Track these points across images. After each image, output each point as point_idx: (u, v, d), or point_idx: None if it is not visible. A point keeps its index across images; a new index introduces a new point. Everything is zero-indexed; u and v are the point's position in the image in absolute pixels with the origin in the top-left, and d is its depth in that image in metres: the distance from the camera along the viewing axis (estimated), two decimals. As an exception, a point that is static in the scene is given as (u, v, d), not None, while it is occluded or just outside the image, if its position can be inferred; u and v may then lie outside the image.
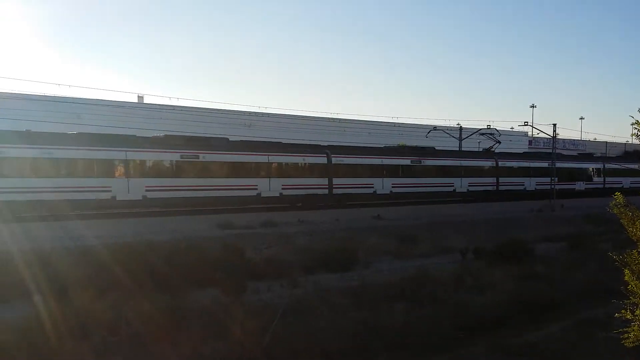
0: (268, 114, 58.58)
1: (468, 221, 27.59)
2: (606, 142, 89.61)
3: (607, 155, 68.41)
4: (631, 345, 6.26)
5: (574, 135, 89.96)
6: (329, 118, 61.94)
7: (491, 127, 52.55)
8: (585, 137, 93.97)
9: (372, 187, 37.50)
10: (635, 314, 6.23)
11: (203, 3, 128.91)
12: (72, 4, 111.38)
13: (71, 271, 11.79)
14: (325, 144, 40.55)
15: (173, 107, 51.55)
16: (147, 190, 28.17)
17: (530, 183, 47.47)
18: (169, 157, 29.76)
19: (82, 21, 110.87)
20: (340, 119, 63.60)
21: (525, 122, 54.25)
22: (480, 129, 52.40)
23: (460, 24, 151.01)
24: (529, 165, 48.07)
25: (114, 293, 10.59)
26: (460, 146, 52.21)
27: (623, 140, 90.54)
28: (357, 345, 9.40)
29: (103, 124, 38.67)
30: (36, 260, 12.36)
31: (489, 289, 13.02)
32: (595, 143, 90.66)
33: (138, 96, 60.14)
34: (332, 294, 12.08)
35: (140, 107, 55.16)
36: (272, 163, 33.30)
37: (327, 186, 34.92)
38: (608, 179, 52.66)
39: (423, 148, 43.83)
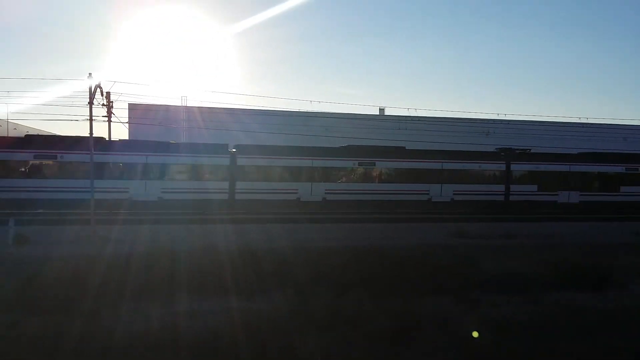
0: (508, 121, 55.73)
1: None
2: None
3: None
4: None
5: None
6: (575, 123, 56.24)
7: None
8: None
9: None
10: None
11: (439, 21, 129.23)
12: (315, 27, 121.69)
13: (308, 269, 12.80)
14: (565, 150, 38.93)
15: (412, 118, 52.55)
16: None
17: None
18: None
19: (331, 45, 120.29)
20: (586, 124, 57.11)
21: None
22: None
23: None
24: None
25: (353, 292, 11.15)
26: None
27: None
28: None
29: (348, 135, 41.40)
30: (272, 256, 13.68)
31: None
32: None
33: (379, 108, 62.91)
34: (581, 314, 10.90)
35: (381, 119, 57.72)
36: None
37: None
38: None
39: None
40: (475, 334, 9.13)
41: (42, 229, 21.12)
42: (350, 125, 47.46)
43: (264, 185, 31.76)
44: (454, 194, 34.59)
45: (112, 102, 36.73)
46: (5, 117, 54.33)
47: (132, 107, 48.26)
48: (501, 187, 35.69)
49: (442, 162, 34.86)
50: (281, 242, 17.61)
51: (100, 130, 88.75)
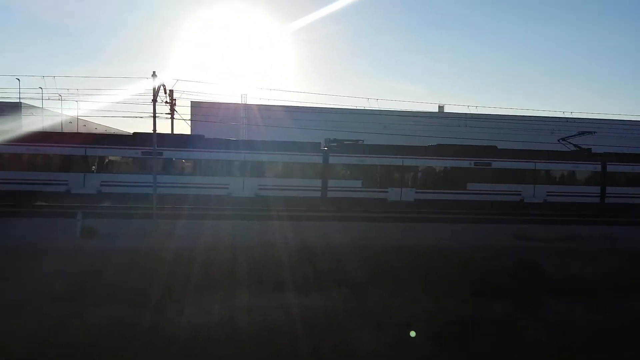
0: (574, 119, 53.73)
1: None
2: None
3: None
4: None
5: None
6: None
7: None
8: None
9: None
10: None
11: (501, 15, 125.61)
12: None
13: (366, 267, 12.79)
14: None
15: (471, 115, 51.50)
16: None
17: None
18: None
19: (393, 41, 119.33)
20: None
21: None
22: None
23: None
24: None
25: (410, 291, 11.08)
26: None
27: None
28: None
29: (407, 133, 41.06)
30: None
31: None
32: None
33: (439, 106, 62.02)
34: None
35: (440, 116, 56.90)
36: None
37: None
38: None
39: None
40: (412, 334, 8.93)
41: (109, 222, 22.01)
42: (409, 122, 47.01)
43: (355, 184, 32.16)
44: (547, 195, 33.69)
45: (174, 99, 37.84)
46: (77, 116, 57.34)
47: (195, 105, 49.53)
48: (596, 189, 34.52)
49: (535, 162, 33.92)
50: (339, 241, 17.66)
51: (164, 127, 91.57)
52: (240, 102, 53.70)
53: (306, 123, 44.71)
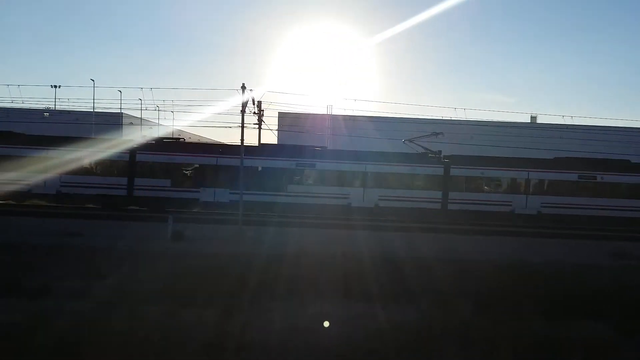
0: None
1: None
2: None
3: None
4: None
5: None
6: None
7: None
8: None
9: None
10: None
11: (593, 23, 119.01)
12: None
13: (451, 281, 12.43)
14: None
15: (566, 126, 49.01)
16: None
17: None
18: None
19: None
20: None
21: None
22: None
23: None
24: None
25: (495, 308, 10.64)
26: None
27: None
28: None
29: (496, 144, 39.83)
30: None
31: None
32: None
33: (531, 116, 59.64)
34: None
35: (532, 127, 54.65)
36: None
37: None
38: None
39: None
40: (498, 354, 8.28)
41: (197, 227, 22.85)
42: (500, 133, 45.48)
43: (476, 196, 31.54)
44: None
45: (262, 110, 38.83)
46: (178, 128, 60.68)
47: (282, 116, 50.65)
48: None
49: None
50: (427, 252, 17.33)
51: (251, 138, 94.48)
52: (325, 113, 54.32)
53: (392, 133, 44.35)
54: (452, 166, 31.89)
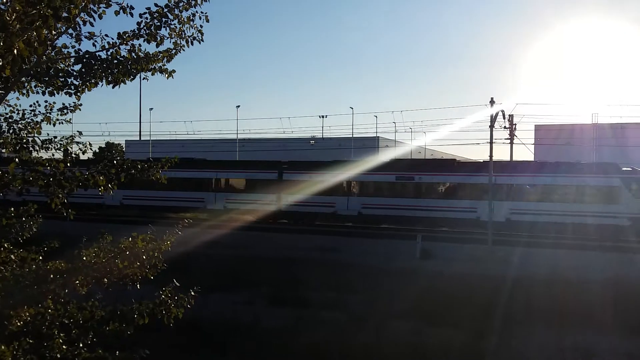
0: None
1: None
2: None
3: None
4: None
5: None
6: None
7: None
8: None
9: None
10: None
11: None
12: None
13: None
14: None
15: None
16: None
17: None
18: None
19: None
20: None
21: None
22: None
23: None
24: None
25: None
26: None
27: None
28: None
29: None
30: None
31: None
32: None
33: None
34: None
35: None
36: None
37: None
38: None
39: None
40: None
41: (445, 245, 22.76)
42: None
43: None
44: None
45: (514, 124, 37.14)
46: (425, 145, 62.35)
47: (538, 128, 47.76)
48: None
49: None
50: None
51: (501, 153, 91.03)
52: (589, 122, 49.57)
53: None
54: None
